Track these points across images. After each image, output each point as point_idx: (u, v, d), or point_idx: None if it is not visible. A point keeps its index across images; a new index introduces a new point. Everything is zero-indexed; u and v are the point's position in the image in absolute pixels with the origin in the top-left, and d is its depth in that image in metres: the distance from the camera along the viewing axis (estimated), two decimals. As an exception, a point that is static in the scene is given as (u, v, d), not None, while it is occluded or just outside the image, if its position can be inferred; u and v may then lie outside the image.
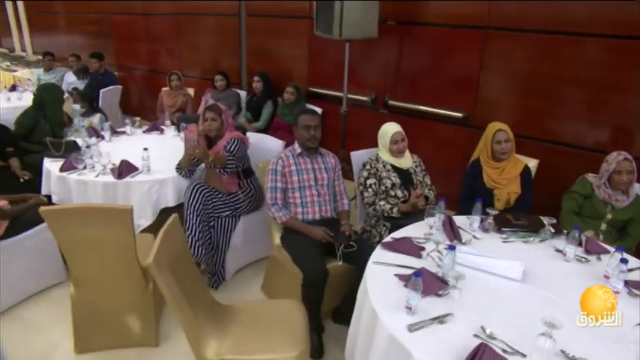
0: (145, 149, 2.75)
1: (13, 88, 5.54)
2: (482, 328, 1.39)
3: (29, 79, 5.87)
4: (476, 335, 1.36)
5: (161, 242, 1.57)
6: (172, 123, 3.80)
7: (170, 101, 4.68)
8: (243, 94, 4.55)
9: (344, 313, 2.34)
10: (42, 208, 1.89)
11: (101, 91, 4.81)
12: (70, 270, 2.14)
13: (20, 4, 8.13)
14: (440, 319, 1.44)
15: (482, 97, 3.21)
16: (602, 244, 2.02)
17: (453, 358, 1.28)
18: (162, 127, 3.72)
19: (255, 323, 1.84)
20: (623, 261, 1.65)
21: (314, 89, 4.06)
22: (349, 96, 3.60)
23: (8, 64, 8.15)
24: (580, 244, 1.94)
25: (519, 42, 2.96)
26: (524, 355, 1.30)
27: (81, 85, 5.57)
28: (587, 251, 1.94)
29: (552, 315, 1.32)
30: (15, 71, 7.33)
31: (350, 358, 1.79)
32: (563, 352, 1.31)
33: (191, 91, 4.85)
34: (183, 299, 1.57)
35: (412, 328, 1.39)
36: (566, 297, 1.57)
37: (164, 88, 4.79)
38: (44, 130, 3.62)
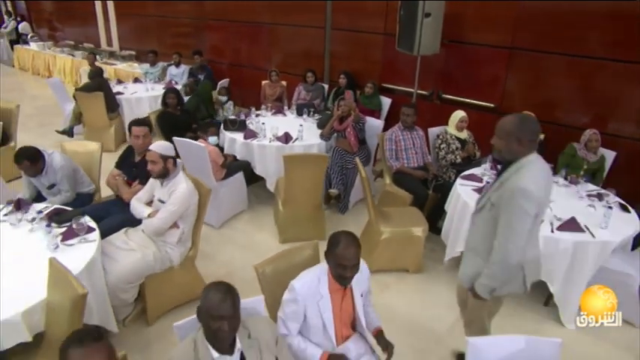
0: (301, 125, 4.40)
1: (137, 81, 7.14)
2: (519, 207, 3.06)
3: (148, 73, 7.41)
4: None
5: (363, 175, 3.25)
6: (288, 107, 5.43)
7: (270, 91, 6.28)
8: (326, 87, 6.14)
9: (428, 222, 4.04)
10: (284, 154, 3.55)
11: (219, 82, 6.39)
12: (285, 193, 3.80)
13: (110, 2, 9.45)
14: (498, 204, 3.12)
15: (507, 92, 4.80)
16: (579, 179, 3.70)
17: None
18: (285, 111, 5.37)
19: (397, 216, 3.53)
20: (587, 180, 3.36)
21: (385, 85, 5.65)
22: (412, 90, 5.19)
23: (98, 57, 9.58)
24: (566, 179, 3.64)
25: (533, 58, 4.52)
26: (538, 216, 2.97)
27: (183, 76, 7.18)
28: (570, 182, 3.62)
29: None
30: (113, 64, 8.81)
31: (446, 236, 3.49)
32: (555, 215, 3.00)
33: (284, 83, 6.43)
34: (372, 199, 3.26)
35: (487, 207, 3.08)
36: (557, 198, 3.24)
37: (264, 81, 6.37)
38: (202, 112, 5.29)
